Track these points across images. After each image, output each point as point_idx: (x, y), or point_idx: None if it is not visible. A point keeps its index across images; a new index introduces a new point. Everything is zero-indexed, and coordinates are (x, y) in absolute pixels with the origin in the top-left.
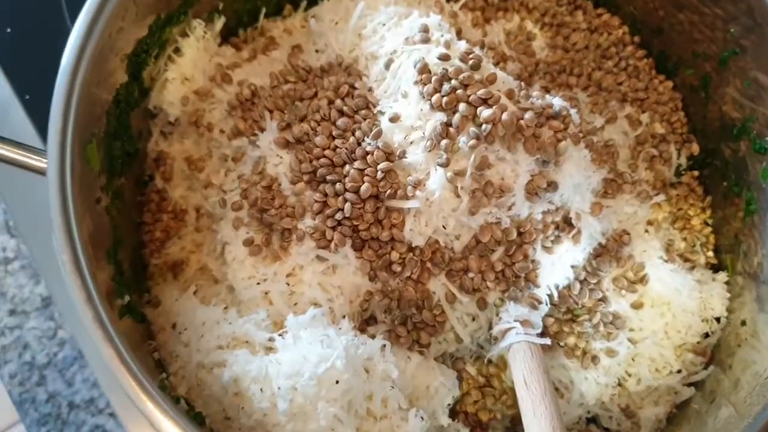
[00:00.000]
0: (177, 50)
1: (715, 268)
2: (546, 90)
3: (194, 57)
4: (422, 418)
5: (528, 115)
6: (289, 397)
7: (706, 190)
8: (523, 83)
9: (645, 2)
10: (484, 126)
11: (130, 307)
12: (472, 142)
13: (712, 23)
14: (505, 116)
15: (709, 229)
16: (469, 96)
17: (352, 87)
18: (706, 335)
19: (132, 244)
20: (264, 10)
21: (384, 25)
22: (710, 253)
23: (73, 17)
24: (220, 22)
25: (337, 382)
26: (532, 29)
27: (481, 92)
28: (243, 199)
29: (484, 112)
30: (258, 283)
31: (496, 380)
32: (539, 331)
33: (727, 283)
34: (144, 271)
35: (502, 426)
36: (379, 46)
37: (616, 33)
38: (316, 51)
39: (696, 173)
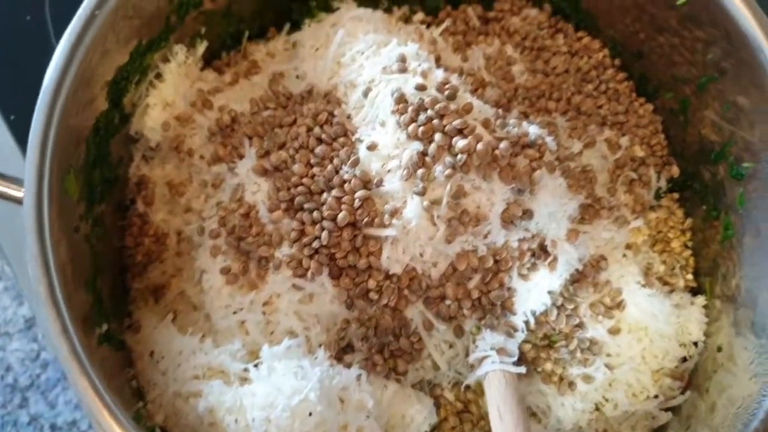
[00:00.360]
0: (158, 76)
1: (695, 291)
2: (525, 115)
3: (175, 82)
4: None
5: (503, 144)
6: (263, 428)
7: (686, 212)
8: (500, 110)
9: (626, 25)
10: (459, 156)
11: (108, 336)
12: (448, 171)
13: (692, 47)
14: (480, 146)
15: (689, 251)
16: (444, 126)
17: (331, 114)
18: (684, 359)
19: (113, 270)
20: (247, 33)
21: (362, 53)
22: (690, 276)
23: (59, 36)
24: (202, 47)
25: (311, 414)
26: (512, 54)
27: (456, 122)
28: (221, 227)
29: (460, 143)
30: (234, 312)
31: (474, 406)
32: (515, 359)
33: (705, 306)
34: (126, 296)
35: None
36: (358, 74)
37: (596, 56)
38: (297, 77)
39: (676, 196)
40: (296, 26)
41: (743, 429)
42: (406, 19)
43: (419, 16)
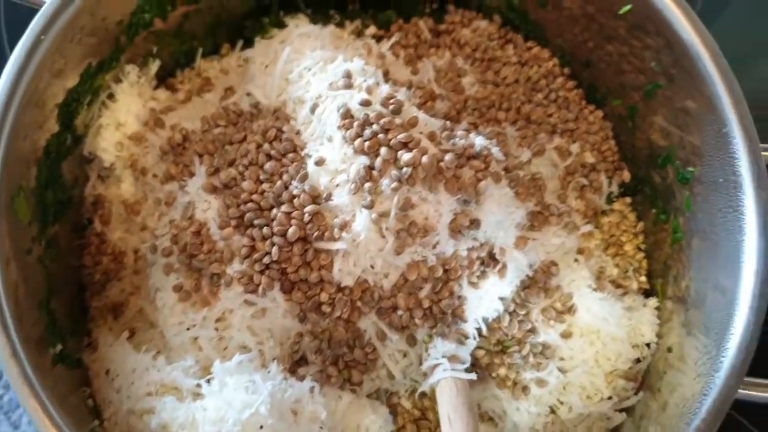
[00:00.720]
0: (111, 96)
1: (648, 294)
2: (474, 126)
3: (128, 102)
4: None
5: (448, 156)
6: None
7: (638, 216)
8: (448, 122)
9: (574, 35)
10: (405, 169)
11: (63, 355)
12: (395, 184)
13: (638, 55)
14: (424, 159)
15: (642, 254)
16: (390, 140)
17: (280, 131)
18: (638, 361)
19: (70, 289)
20: (201, 51)
21: (309, 70)
22: (643, 278)
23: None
24: (154, 66)
25: (262, 427)
26: (462, 65)
27: (401, 136)
28: (173, 245)
29: (405, 156)
30: (188, 329)
31: (431, 413)
32: (466, 365)
33: (657, 308)
34: (85, 314)
35: None
36: (305, 90)
37: (546, 65)
38: (248, 94)
39: (629, 200)
40: (249, 43)
41: (686, 428)
42: (359, 33)
43: (371, 30)
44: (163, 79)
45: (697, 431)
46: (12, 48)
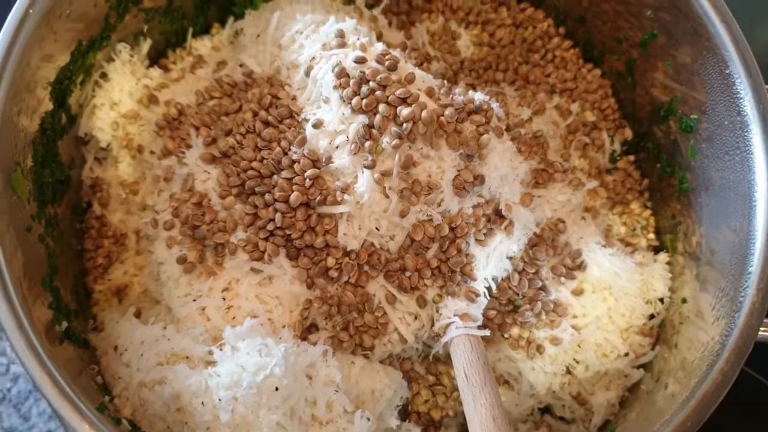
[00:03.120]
0: (103, 75)
1: (657, 250)
2: (472, 87)
3: (121, 81)
4: (368, 419)
5: (448, 111)
6: (230, 407)
7: (643, 173)
8: (446, 81)
9: None
10: (404, 125)
11: (70, 333)
12: (395, 141)
13: (632, 6)
14: (424, 114)
15: (649, 211)
16: (387, 96)
17: (276, 97)
18: (652, 316)
19: (74, 272)
20: (191, 30)
21: (301, 33)
22: (651, 236)
23: None
24: (146, 45)
25: (277, 389)
26: (456, 29)
27: (399, 92)
28: (174, 218)
29: (404, 111)
30: (194, 300)
31: (445, 378)
32: (479, 323)
33: (668, 263)
34: (89, 299)
35: (456, 423)
36: (298, 54)
37: (540, 26)
38: (240, 65)
39: (632, 158)
40: (240, 19)
41: (708, 370)
42: (349, 1)
43: None
44: (155, 60)
45: (721, 372)
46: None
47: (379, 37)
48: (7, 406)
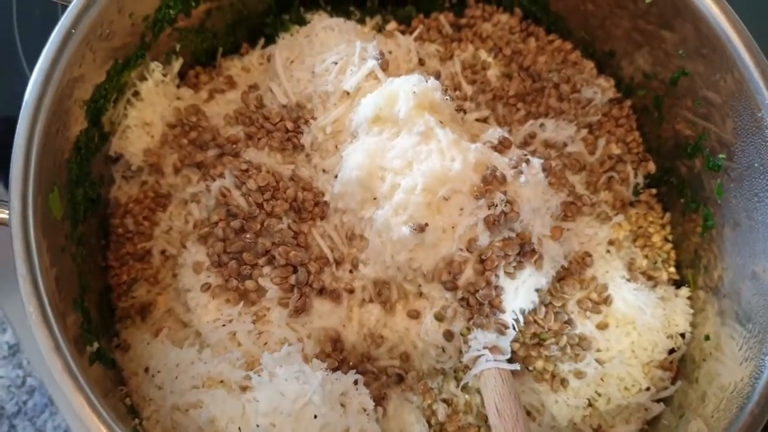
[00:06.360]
0: (136, 93)
1: (678, 284)
2: (504, 120)
3: (153, 102)
4: None
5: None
6: None
7: (665, 207)
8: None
9: (597, 26)
10: None
11: (100, 354)
12: None
13: (663, 44)
14: None
15: (670, 245)
16: None
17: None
18: (672, 351)
19: (98, 289)
20: (221, 50)
21: (336, 63)
22: (672, 269)
23: (29, 58)
24: (177, 64)
25: (315, 417)
26: (485, 58)
27: None
28: (201, 244)
29: None
30: (224, 325)
31: (474, 405)
32: (508, 356)
33: (689, 298)
34: (112, 315)
35: None
36: (334, 86)
37: (569, 58)
38: (271, 91)
39: (654, 191)
40: (270, 41)
41: (738, 412)
42: (379, 29)
43: (392, 25)
44: (183, 77)
45: (752, 415)
46: (25, 50)
47: (422, 63)
48: (23, 419)
